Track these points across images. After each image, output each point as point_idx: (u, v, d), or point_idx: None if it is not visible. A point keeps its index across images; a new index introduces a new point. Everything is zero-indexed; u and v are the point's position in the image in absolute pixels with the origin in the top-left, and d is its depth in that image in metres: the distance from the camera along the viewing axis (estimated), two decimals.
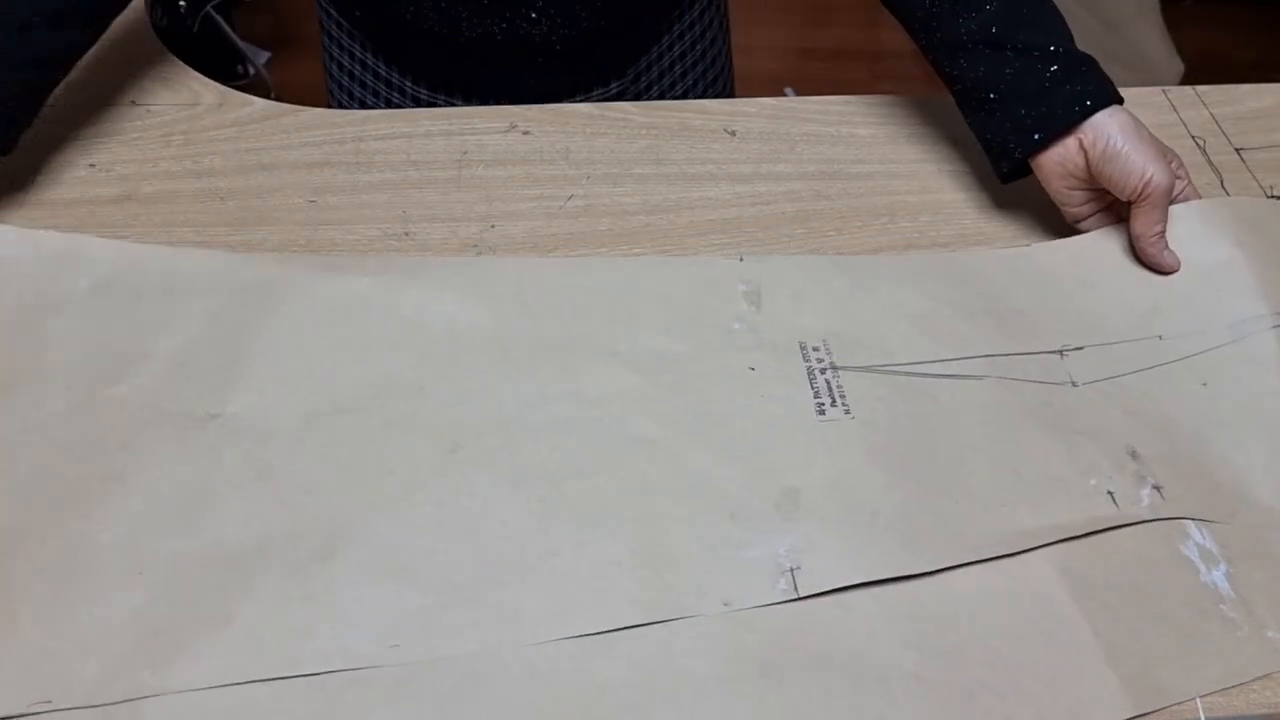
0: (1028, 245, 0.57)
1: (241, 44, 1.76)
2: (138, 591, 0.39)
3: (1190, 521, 0.44)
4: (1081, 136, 0.52)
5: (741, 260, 0.54)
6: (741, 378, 0.48)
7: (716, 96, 0.77)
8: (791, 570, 0.41)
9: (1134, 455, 0.46)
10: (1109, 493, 0.45)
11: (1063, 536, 0.43)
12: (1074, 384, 0.49)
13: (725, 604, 0.40)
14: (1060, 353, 0.50)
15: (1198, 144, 0.64)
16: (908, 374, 0.49)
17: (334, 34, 0.74)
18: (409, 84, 0.72)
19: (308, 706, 0.37)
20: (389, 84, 0.73)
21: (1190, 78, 1.63)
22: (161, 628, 0.38)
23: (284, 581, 0.40)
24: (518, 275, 0.52)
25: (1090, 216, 0.56)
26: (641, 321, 0.50)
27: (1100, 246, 0.55)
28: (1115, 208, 0.56)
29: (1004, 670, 0.39)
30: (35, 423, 0.45)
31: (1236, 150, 0.63)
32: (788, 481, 0.44)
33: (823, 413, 0.47)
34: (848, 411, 0.47)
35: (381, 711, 0.37)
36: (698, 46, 0.74)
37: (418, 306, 0.50)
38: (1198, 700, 0.39)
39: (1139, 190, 0.52)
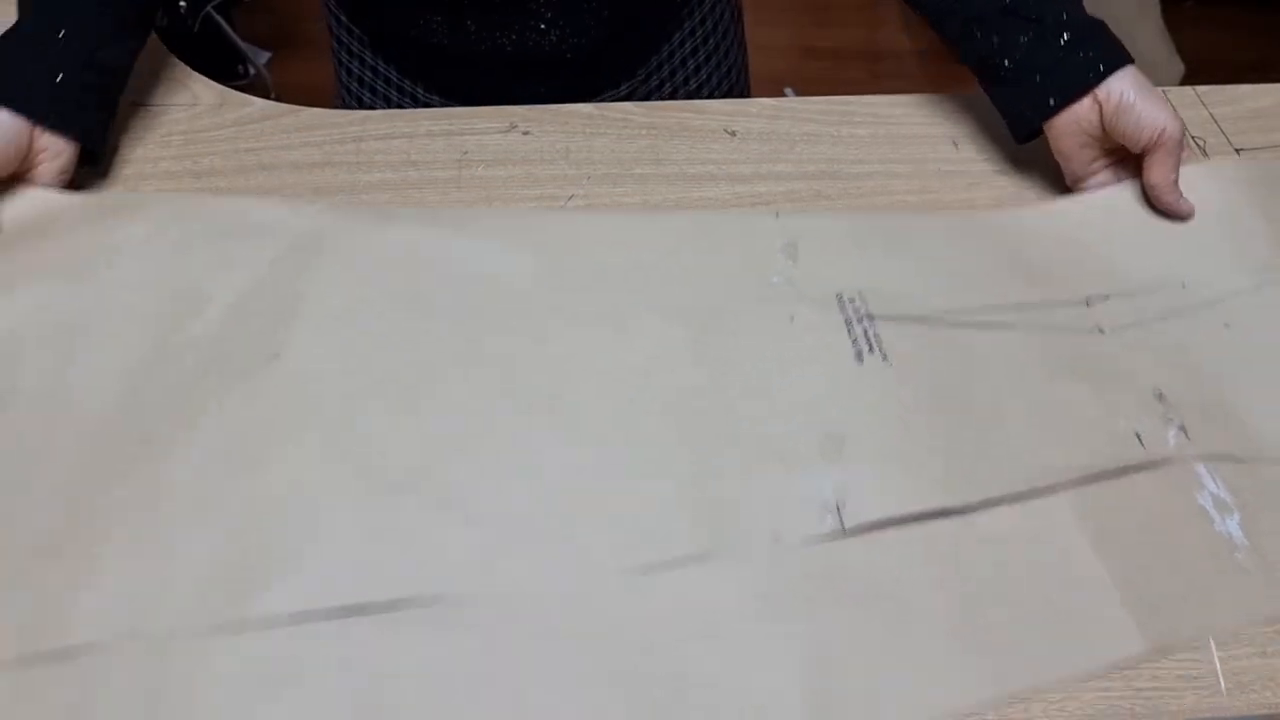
0: (1053, 201, 0.58)
1: (242, 44, 1.76)
2: (213, 528, 0.41)
3: (1205, 473, 0.45)
4: (1096, 95, 0.54)
5: (778, 217, 0.56)
6: (782, 328, 0.50)
7: (730, 91, 0.77)
8: (838, 507, 0.43)
9: (1160, 397, 0.48)
10: (1136, 434, 0.47)
11: (1091, 475, 0.45)
12: (1101, 331, 0.51)
13: (775, 539, 0.42)
14: (1087, 302, 0.52)
15: (1198, 144, 0.64)
16: (941, 323, 0.51)
17: (344, 40, 0.74)
18: (420, 91, 0.72)
19: (376, 638, 0.39)
20: (400, 90, 0.73)
21: (1190, 78, 1.63)
22: (235, 563, 0.40)
23: (352, 520, 0.42)
24: (564, 229, 0.54)
25: (1092, 176, 0.58)
26: (684, 276, 0.53)
27: (1120, 200, 0.57)
28: (1115, 168, 0.58)
29: (1024, 610, 0.41)
30: (107, 367, 0.46)
31: (1236, 150, 0.63)
32: (830, 426, 0.46)
33: (860, 360, 0.49)
34: (885, 358, 0.49)
35: (440, 639, 0.39)
36: (709, 41, 0.74)
37: (468, 258, 0.52)
38: (1211, 641, 0.41)
39: (1154, 140, 0.53)
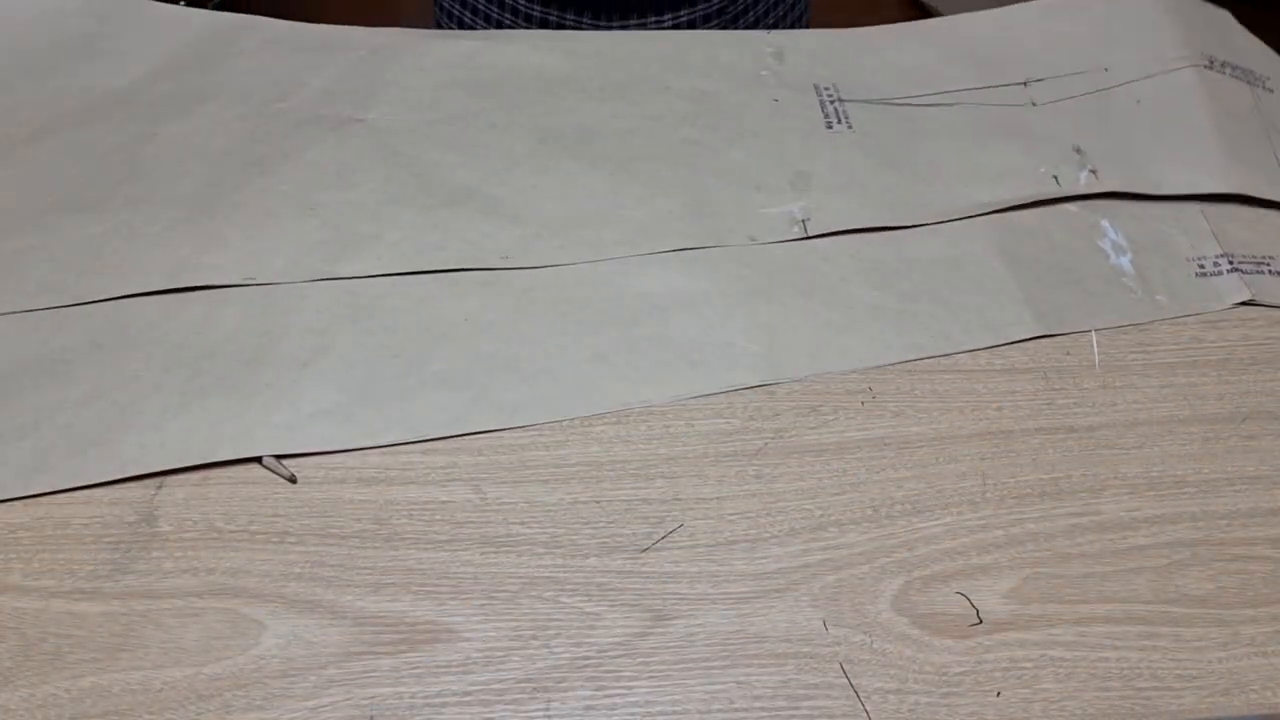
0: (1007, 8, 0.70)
1: None
2: (311, 221, 0.54)
3: (1107, 225, 0.56)
4: None
5: (769, 32, 0.68)
6: (767, 105, 0.62)
7: (799, 20, 0.82)
8: (803, 221, 0.55)
9: (1078, 150, 0.60)
10: (1054, 176, 0.58)
11: (1013, 204, 0.56)
12: (1034, 105, 0.63)
13: (751, 239, 0.54)
14: (1025, 83, 0.64)
15: None
16: (898, 104, 0.63)
17: None
18: (521, 1, 0.75)
19: (434, 292, 0.51)
20: (501, 4, 0.76)
21: None
22: (329, 241, 0.52)
23: (419, 217, 0.54)
24: (590, 39, 0.66)
25: None
26: (688, 69, 0.65)
27: (1057, 3, 0.70)
28: None
29: (944, 304, 0.52)
30: (221, 122, 0.59)
31: None
32: (801, 167, 0.58)
33: (830, 127, 0.61)
34: (850, 126, 0.61)
35: (482, 293, 0.51)
36: None
37: (515, 58, 0.64)
38: (1093, 333, 0.51)
39: None
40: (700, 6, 0.75)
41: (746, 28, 0.77)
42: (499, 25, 0.77)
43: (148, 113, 0.59)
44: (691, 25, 0.76)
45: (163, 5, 0.66)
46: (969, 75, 0.65)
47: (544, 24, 0.75)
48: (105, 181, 0.55)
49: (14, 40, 0.63)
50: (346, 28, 0.66)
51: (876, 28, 0.68)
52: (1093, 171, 0.58)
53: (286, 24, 0.66)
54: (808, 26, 0.84)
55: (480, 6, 0.77)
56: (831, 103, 0.62)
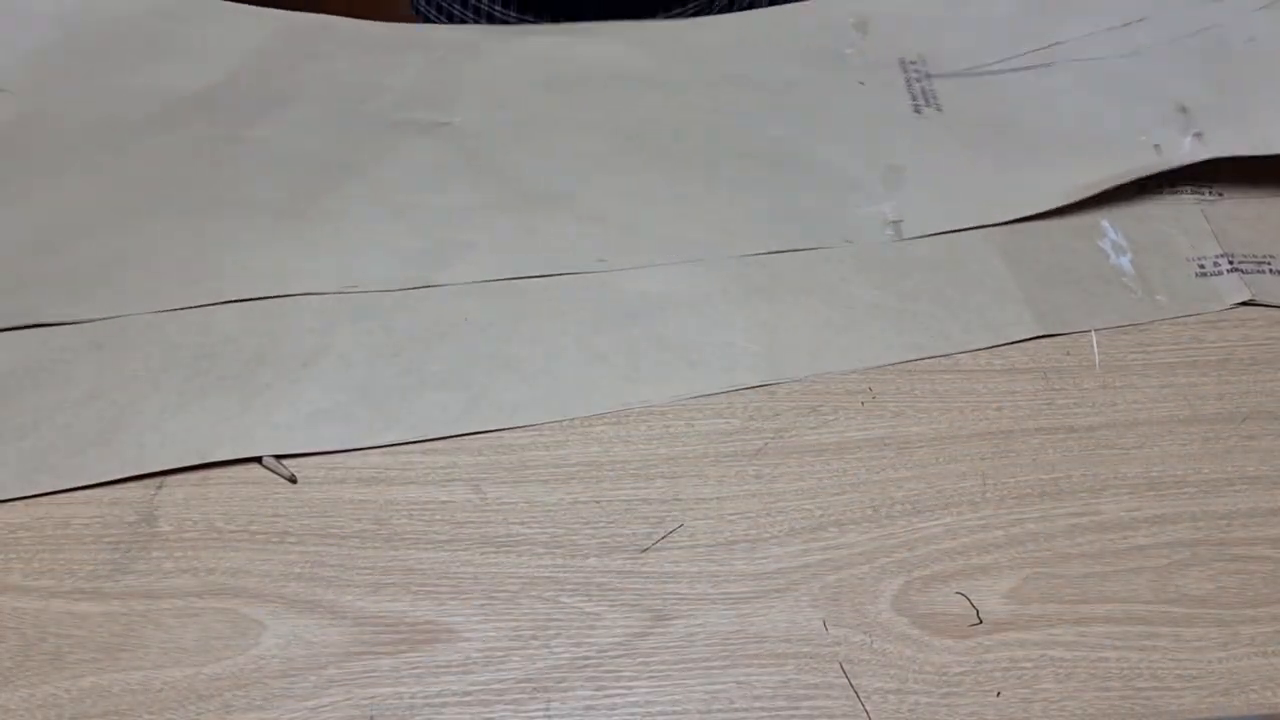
0: None
1: None
2: (404, 227, 0.53)
3: (1107, 225, 0.55)
4: None
5: None
6: (853, 91, 0.61)
7: None
8: (895, 222, 0.54)
9: (1183, 110, 0.57)
10: (1155, 146, 0.56)
11: (1114, 184, 0.54)
12: (1137, 53, 0.60)
13: (846, 241, 0.53)
14: (1124, 24, 0.61)
15: None
16: (990, 73, 0.61)
17: None
18: (498, 9, 0.75)
19: (438, 291, 0.51)
20: (477, 10, 0.76)
21: None
22: (426, 249, 0.52)
23: (513, 222, 0.54)
24: (668, 32, 0.66)
25: None
26: (769, 57, 0.64)
27: None
28: None
29: (944, 303, 0.51)
30: (305, 125, 0.59)
31: None
32: (892, 160, 0.57)
33: (919, 111, 0.60)
34: (939, 110, 0.60)
35: (480, 294, 0.51)
36: None
37: (593, 53, 0.64)
38: (1093, 333, 0.51)
39: None
40: (690, 5, 0.74)
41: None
42: (469, 19, 0.76)
43: (229, 115, 0.59)
44: None
45: (239, 5, 0.66)
46: (1065, 24, 0.62)
47: None
48: (191, 185, 0.55)
49: (90, 42, 0.63)
50: (422, 25, 0.66)
51: None
52: (1198, 135, 0.55)
53: (362, 24, 0.66)
54: None
55: (456, 13, 0.77)
56: (918, 81, 0.61)
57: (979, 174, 0.56)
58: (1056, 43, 0.60)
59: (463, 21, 0.77)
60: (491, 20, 0.76)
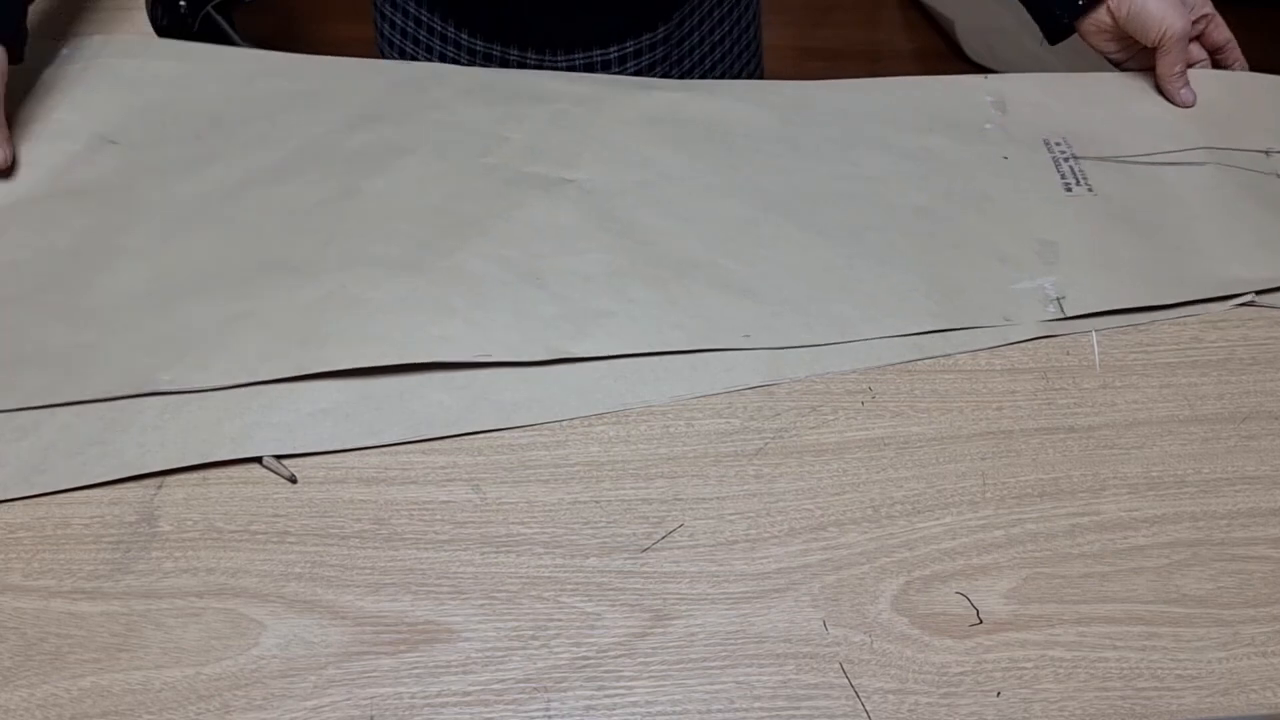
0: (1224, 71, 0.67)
1: (242, 44, 1.76)
2: (538, 293, 0.51)
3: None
4: (1110, 4, 0.64)
5: (986, 78, 0.65)
6: (996, 163, 0.59)
7: (748, 47, 0.80)
8: (1058, 299, 0.52)
9: None
10: None
11: (1270, 286, 0.53)
12: (1279, 176, 0.59)
13: (1005, 319, 0.52)
14: (1266, 153, 0.60)
15: None
16: (1139, 162, 0.59)
17: None
18: (464, 36, 0.73)
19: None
20: (444, 38, 0.74)
21: None
22: (563, 317, 0.50)
23: (651, 292, 0.51)
24: (795, 93, 0.64)
25: (1126, 60, 0.67)
26: (906, 124, 0.61)
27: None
28: (1146, 53, 0.65)
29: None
30: (424, 178, 0.57)
31: None
32: (1045, 235, 0.55)
33: (1069, 190, 0.58)
34: (1091, 190, 0.58)
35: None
36: (733, 13, 0.77)
37: (719, 111, 0.62)
38: (1093, 333, 0.52)
39: (1160, 38, 0.63)
40: (645, 37, 0.73)
41: (692, 51, 0.75)
42: (441, 58, 0.74)
43: (345, 167, 0.57)
44: (638, 55, 0.73)
45: (344, 59, 0.63)
46: (1209, 134, 0.61)
47: (487, 58, 0.73)
48: (311, 240, 0.53)
49: (199, 103, 0.60)
50: (539, 74, 0.64)
51: (1097, 75, 0.66)
52: None
53: (476, 71, 0.64)
54: (758, 45, 0.81)
55: (422, 39, 0.75)
56: (1066, 161, 0.59)
57: (1139, 255, 0.54)
58: (1205, 146, 0.60)
59: (429, 49, 0.75)
60: (459, 48, 0.73)
